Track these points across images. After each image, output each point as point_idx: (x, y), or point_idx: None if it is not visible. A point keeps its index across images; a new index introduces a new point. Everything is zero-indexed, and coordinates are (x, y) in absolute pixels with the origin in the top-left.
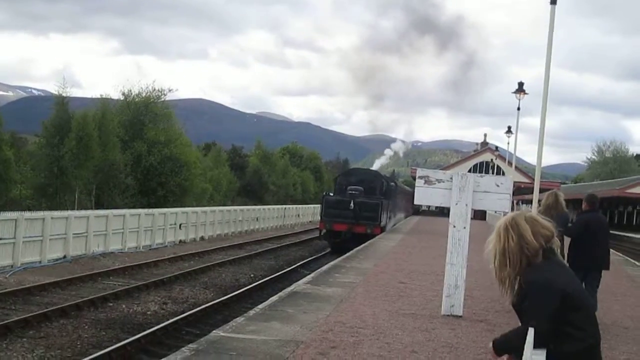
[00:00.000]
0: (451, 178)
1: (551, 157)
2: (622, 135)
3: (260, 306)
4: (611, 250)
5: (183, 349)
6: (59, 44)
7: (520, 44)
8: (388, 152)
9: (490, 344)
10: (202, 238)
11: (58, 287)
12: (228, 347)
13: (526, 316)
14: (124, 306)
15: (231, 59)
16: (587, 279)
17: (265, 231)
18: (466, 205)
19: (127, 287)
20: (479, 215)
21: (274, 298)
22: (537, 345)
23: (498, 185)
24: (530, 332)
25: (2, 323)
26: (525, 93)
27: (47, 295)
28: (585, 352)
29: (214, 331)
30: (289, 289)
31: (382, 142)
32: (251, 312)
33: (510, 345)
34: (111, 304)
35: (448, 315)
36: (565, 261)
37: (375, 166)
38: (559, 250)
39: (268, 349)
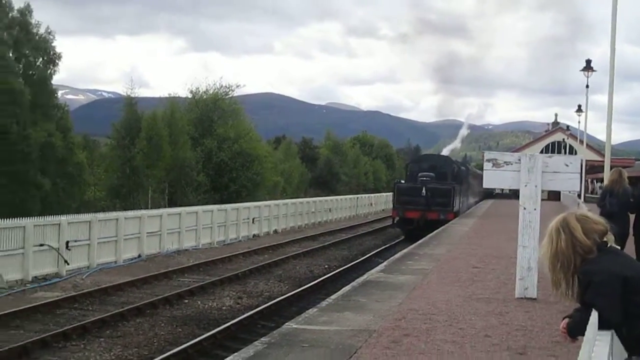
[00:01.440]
0: (519, 160)
1: (624, 134)
2: None
3: (332, 297)
4: None
5: (255, 342)
6: (126, 45)
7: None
8: (458, 138)
9: (562, 325)
10: (275, 231)
11: (133, 287)
12: (300, 339)
13: (591, 306)
14: (199, 302)
15: (296, 51)
16: None
17: (338, 221)
18: (536, 186)
19: (202, 283)
20: (553, 195)
21: (347, 288)
22: (604, 328)
23: (567, 165)
24: (594, 314)
25: (79, 323)
26: (593, 70)
27: (123, 295)
28: None
29: (286, 323)
30: (361, 279)
31: (453, 127)
32: (324, 303)
33: (582, 328)
34: (186, 301)
35: (522, 298)
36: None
37: (446, 151)
38: (617, 240)
39: (340, 339)
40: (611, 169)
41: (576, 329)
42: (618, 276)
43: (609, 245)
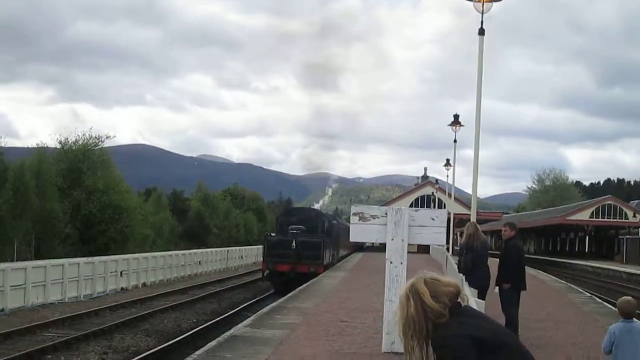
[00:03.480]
0: (386, 213)
1: (492, 188)
2: (560, 163)
3: (197, 352)
4: (554, 277)
5: None
6: None
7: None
8: (329, 191)
9: None
10: (144, 284)
11: None
12: None
13: None
14: (62, 359)
15: (168, 103)
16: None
17: (208, 274)
18: (402, 240)
19: (67, 338)
20: (423, 248)
21: (213, 343)
22: None
23: (433, 219)
24: None
25: None
26: (461, 125)
27: None
28: None
29: None
30: (228, 333)
31: (323, 180)
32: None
33: None
34: (49, 357)
35: (389, 352)
36: (506, 284)
37: (318, 205)
38: (480, 294)
39: None
40: (478, 222)
41: None
42: (470, 338)
43: (463, 306)
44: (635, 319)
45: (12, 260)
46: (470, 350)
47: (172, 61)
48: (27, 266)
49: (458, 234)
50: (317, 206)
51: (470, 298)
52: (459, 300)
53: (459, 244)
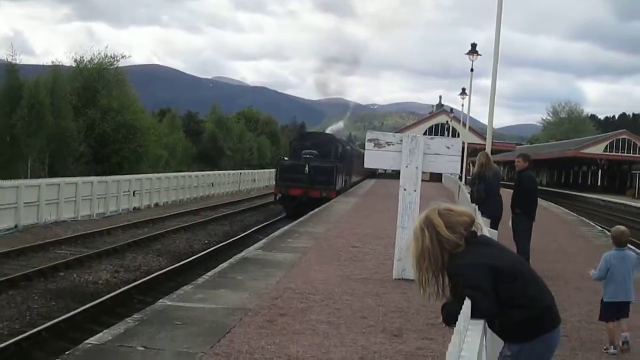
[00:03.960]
0: (401, 140)
1: (506, 118)
2: (576, 96)
3: (209, 273)
4: (566, 209)
5: (127, 319)
6: (9, 10)
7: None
8: (344, 116)
9: (441, 314)
10: (156, 205)
11: (8, 258)
12: (173, 317)
13: (464, 299)
14: (75, 275)
15: (183, 24)
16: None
17: (220, 197)
18: (416, 168)
19: (79, 256)
20: (435, 177)
21: (224, 265)
22: (477, 317)
23: (448, 148)
24: (467, 303)
25: None
26: (478, 54)
27: None
28: (533, 319)
29: (160, 300)
30: (239, 255)
31: (338, 106)
32: (200, 280)
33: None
34: (62, 274)
35: (400, 279)
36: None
37: (331, 130)
38: (492, 223)
39: (215, 318)
40: (492, 152)
41: (452, 319)
42: (487, 266)
43: (478, 235)
44: (626, 248)
45: (26, 178)
46: (487, 278)
47: None
48: (41, 183)
49: (471, 163)
50: (330, 131)
51: (484, 227)
52: (473, 229)
53: (471, 174)
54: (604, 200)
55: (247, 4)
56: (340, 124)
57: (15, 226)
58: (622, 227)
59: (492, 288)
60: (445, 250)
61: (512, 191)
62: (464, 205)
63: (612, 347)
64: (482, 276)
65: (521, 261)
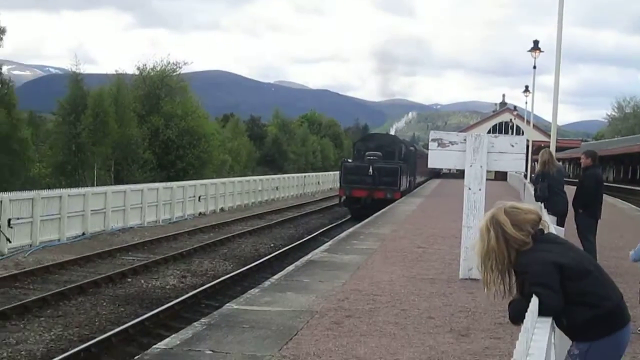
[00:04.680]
0: (465, 140)
1: (570, 115)
2: (639, 90)
3: (275, 276)
4: (634, 206)
5: (195, 323)
6: (72, 20)
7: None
8: (407, 117)
9: (508, 312)
10: (222, 209)
11: (76, 265)
12: (240, 320)
13: (531, 296)
14: (142, 281)
15: (244, 28)
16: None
17: (285, 200)
18: (481, 166)
19: (146, 261)
20: (500, 175)
21: (290, 268)
22: (544, 315)
23: (513, 146)
24: (534, 300)
25: (19, 302)
26: (540, 51)
27: (65, 273)
28: (600, 317)
29: (227, 304)
30: (305, 258)
31: (401, 107)
32: (266, 283)
33: (525, 315)
34: (130, 280)
35: (466, 279)
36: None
37: (394, 131)
38: (558, 220)
39: (282, 320)
40: (557, 150)
41: (519, 317)
42: (553, 264)
43: (546, 233)
44: None
45: (92, 185)
46: (555, 276)
47: None
48: (107, 191)
49: (535, 162)
50: (393, 132)
51: (550, 225)
52: (541, 227)
53: (535, 172)
54: None
55: (306, 7)
56: (403, 125)
57: (83, 234)
58: None
59: (559, 285)
60: (512, 248)
61: (575, 188)
62: (530, 203)
63: None
64: (549, 273)
65: (589, 259)
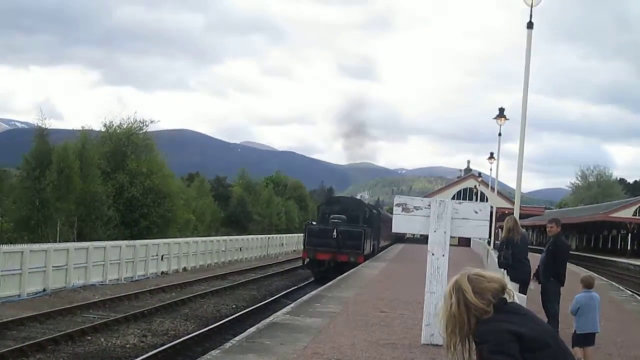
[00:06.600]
0: (429, 205)
1: (534, 182)
2: (603, 160)
3: (237, 338)
4: (596, 274)
5: None
6: (40, 76)
7: (499, 70)
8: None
9: None
10: (184, 269)
11: (36, 321)
12: None
13: None
14: (102, 340)
15: (211, 89)
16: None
17: (248, 261)
18: (445, 232)
19: (107, 320)
20: (464, 241)
21: (252, 329)
22: None
23: (477, 212)
24: None
25: None
26: (506, 118)
27: (24, 330)
28: None
29: None
30: (267, 320)
31: (366, 170)
32: (227, 345)
33: None
34: (89, 338)
35: (428, 345)
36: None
37: (359, 195)
38: (521, 288)
39: None
40: (521, 217)
41: None
42: (511, 333)
43: (508, 302)
44: (592, 290)
45: (55, 241)
46: (512, 345)
47: (214, 47)
48: (70, 247)
49: (499, 228)
50: (358, 196)
51: (514, 293)
52: (504, 296)
53: (499, 238)
54: (633, 265)
55: (273, 70)
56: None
57: (44, 290)
58: (590, 274)
59: (519, 354)
60: (472, 315)
61: (540, 256)
62: (493, 270)
63: None
64: (508, 342)
65: (551, 332)
